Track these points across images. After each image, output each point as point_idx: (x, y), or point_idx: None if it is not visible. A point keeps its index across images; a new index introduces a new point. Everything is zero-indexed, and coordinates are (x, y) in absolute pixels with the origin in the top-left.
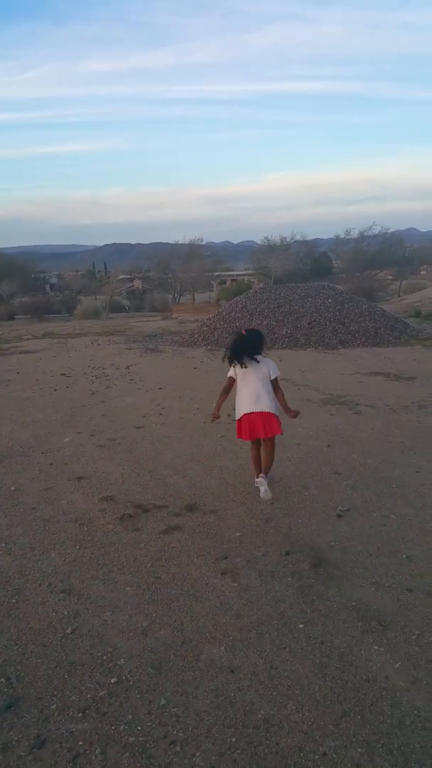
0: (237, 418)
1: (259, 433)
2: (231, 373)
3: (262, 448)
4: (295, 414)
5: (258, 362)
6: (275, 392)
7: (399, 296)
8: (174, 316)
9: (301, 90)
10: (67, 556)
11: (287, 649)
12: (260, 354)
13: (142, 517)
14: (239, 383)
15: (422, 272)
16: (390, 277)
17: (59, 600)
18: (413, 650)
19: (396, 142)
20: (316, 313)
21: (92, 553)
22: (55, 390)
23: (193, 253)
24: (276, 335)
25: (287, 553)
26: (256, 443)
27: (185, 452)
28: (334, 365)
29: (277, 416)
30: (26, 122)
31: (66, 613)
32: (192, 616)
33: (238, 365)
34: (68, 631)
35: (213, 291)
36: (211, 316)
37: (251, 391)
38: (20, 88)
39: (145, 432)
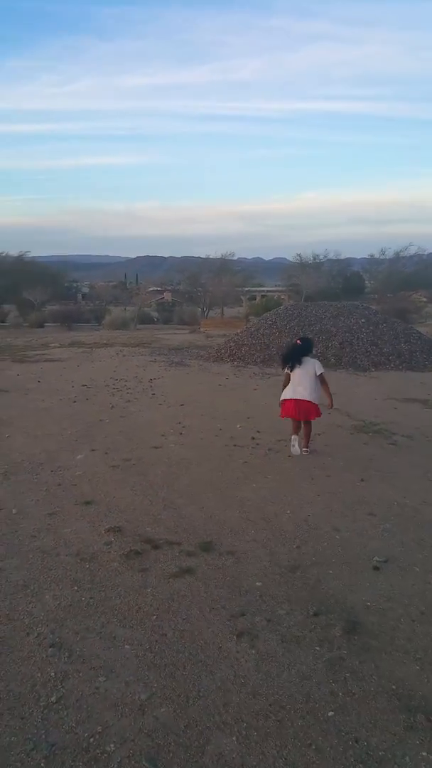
0: (280, 400)
1: (300, 416)
2: (287, 370)
3: (302, 430)
4: (331, 405)
5: (307, 362)
6: (322, 384)
7: None
8: (202, 329)
9: (341, 110)
10: (63, 599)
11: (313, 747)
12: (310, 354)
13: (151, 555)
14: (291, 377)
15: None
16: (424, 299)
17: (47, 656)
18: None
19: None
20: (348, 333)
21: (91, 597)
22: (75, 402)
23: (223, 267)
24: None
25: (315, 614)
26: (297, 422)
27: (203, 478)
28: (367, 388)
29: (317, 405)
30: (65, 134)
31: (53, 674)
32: (200, 690)
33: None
34: (53, 699)
35: (242, 306)
36: (239, 331)
37: (296, 384)
38: (61, 100)
39: (162, 453)
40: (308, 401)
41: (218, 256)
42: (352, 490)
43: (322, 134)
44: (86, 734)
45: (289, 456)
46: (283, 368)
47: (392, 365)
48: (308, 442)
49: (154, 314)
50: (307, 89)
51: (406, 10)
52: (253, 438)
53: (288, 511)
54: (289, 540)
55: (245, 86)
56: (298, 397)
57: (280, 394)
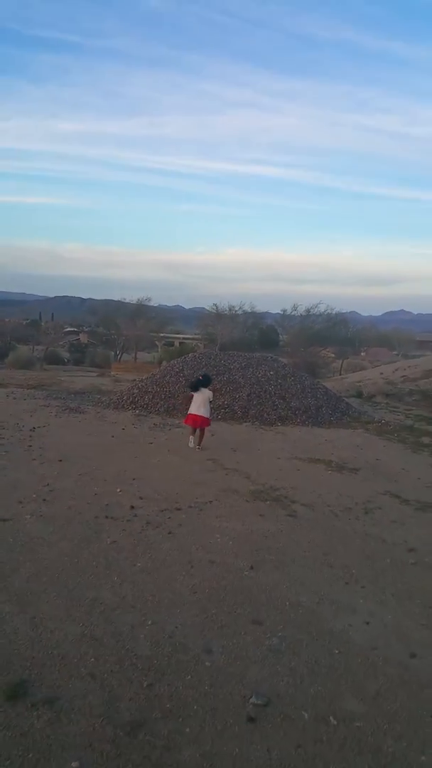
0: (186, 416)
1: (197, 424)
2: (191, 392)
3: (197, 433)
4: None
5: (203, 389)
6: (209, 405)
7: (341, 374)
8: (112, 373)
9: (261, 173)
10: None
11: None
12: (206, 386)
13: None
14: (193, 398)
15: (362, 353)
16: (332, 355)
17: None
18: None
19: (343, 230)
20: (256, 385)
21: None
22: None
23: (139, 311)
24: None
25: None
26: (198, 431)
27: (52, 568)
28: (271, 445)
29: (208, 418)
30: None
31: None
32: None
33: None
34: None
35: (158, 351)
36: (144, 377)
37: (197, 405)
38: None
39: (9, 528)
40: (202, 416)
41: (134, 300)
42: (238, 583)
43: (244, 195)
44: None
45: (198, 447)
46: (190, 391)
47: (299, 420)
48: (201, 443)
49: (66, 355)
50: (230, 152)
51: (322, 89)
52: (133, 507)
53: (149, 622)
54: (141, 672)
55: (173, 143)
56: (195, 413)
57: (168, 445)
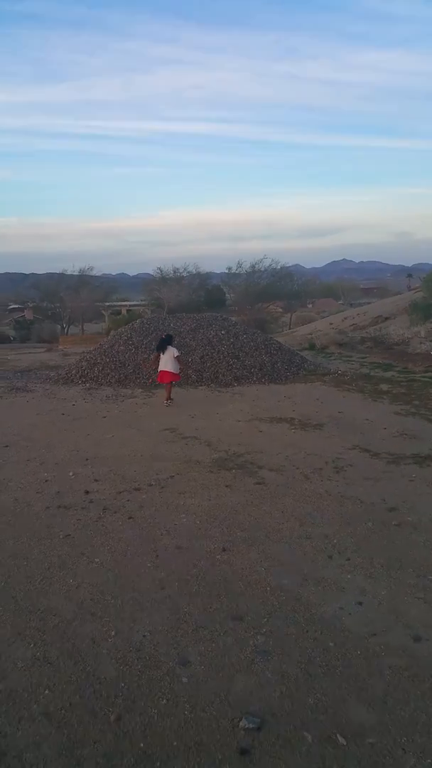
0: (157, 372)
1: (165, 380)
2: (158, 352)
3: (166, 388)
4: (179, 376)
5: (168, 349)
6: (179, 362)
7: (290, 328)
8: (60, 348)
9: (195, 131)
10: None
11: None
12: (171, 344)
13: None
14: (161, 358)
15: (309, 305)
16: (280, 310)
17: None
18: None
19: (282, 184)
20: (209, 347)
21: None
22: None
23: (82, 282)
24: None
25: None
26: (167, 386)
27: None
28: (230, 407)
29: (177, 373)
30: None
31: None
32: None
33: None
34: None
35: (105, 322)
36: (91, 349)
37: (164, 362)
38: None
39: None
40: (171, 371)
41: (76, 271)
42: (211, 571)
43: (180, 154)
44: None
45: (167, 402)
46: (156, 352)
47: (255, 378)
48: (168, 397)
49: (11, 333)
50: (162, 110)
51: (250, 39)
52: (87, 492)
53: (113, 633)
54: (106, 702)
55: (103, 106)
56: (164, 369)
57: (122, 418)
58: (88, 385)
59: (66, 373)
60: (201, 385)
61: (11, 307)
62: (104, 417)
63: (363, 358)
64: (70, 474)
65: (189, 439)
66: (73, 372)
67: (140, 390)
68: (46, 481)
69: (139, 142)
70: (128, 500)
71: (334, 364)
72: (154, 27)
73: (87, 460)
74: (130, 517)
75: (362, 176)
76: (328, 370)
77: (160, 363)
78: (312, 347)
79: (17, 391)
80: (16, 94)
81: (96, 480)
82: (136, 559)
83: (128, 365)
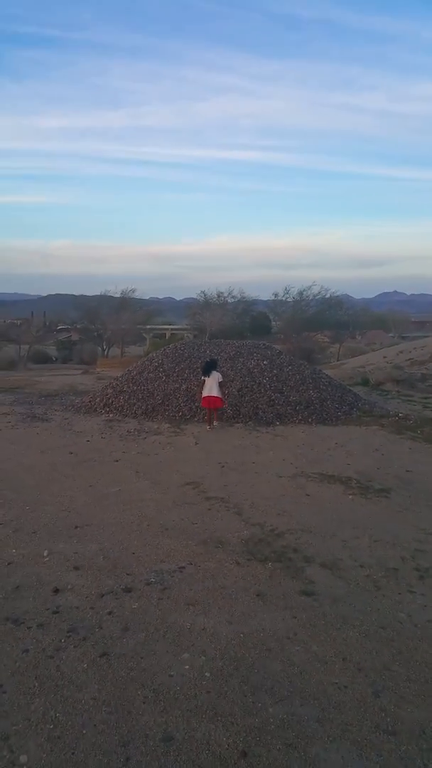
0: (200, 398)
1: (209, 405)
2: (204, 377)
3: (211, 415)
4: (224, 403)
5: (213, 373)
6: (221, 388)
7: (338, 360)
8: (97, 370)
9: (246, 158)
10: None
11: None
12: (216, 370)
13: None
14: (205, 382)
15: (358, 337)
16: (327, 340)
17: None
18: None
19: (332, 213)
20: (248, 378)
21: None
22: None
23: (123, 304)
24: (197, 403)
25: None
26: (209, 411)
27: None
28: (269, 455)
29: (220, 398)
30: None
31: None
32: None
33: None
34: None
35: (146, 345)
36: (119, 375)
37: (209, 387)
38: None
39: None
40: (215, 396)
41: (118, 292)
42: None
43: (230, 181)
44: None
45: (209, 428)
46: (202, 376)
47: (300, 417)
48: (213, 422)
49: (54, 353)
50: (215, 138)
51: (306, 69)
52: (57, 591)
53: None
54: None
55: (156, 132)
56: (209, 394)
57: (138, 463)
58: (111, 415)
59: (89, 401)
60: (238, 422)
61: (59, 327)
62: (117, 461)
63: (426, 398)
64: (45, 554)
65: (215, 501)
66: (97, 400)
67: (167, 425)
68: (9, 564)
69: (191, 168)
70: (109, 613)
71: (392, 404)
72: (210, 54)
73: (76, 528)
74: (103, 654)
75: (414, 208)
76: (386, 411)
77: (204, 388)
78: (365, 383)
79: (33, 419)
80: (74, 118)
81: (76, 567)
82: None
83: (157, 395)
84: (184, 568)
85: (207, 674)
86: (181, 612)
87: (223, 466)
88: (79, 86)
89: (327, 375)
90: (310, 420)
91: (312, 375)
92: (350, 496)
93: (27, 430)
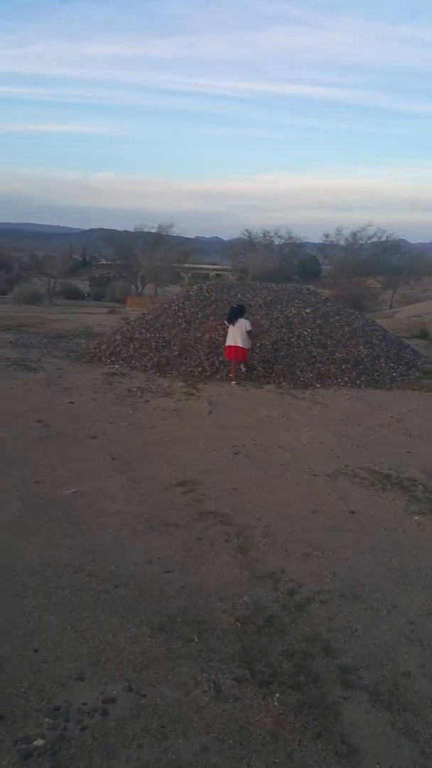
0: (225, 345)
1: (232, 356)
2: (227, 323)
3: (234, 365)
4: (246, 357)
5: (239, 321)
6: (248, 336)
7: (390, 308)
8: (126, 309)
9: (304, 94)
10: None
11: None
12: (242, 317)
13: None
14: (229, 330)
15: (412, 284)
16: (380, 286)
17: None
18: None
19: (391, 153)
20: (286, 329)
21: None
22: None
23: (159, 240)
24: (222, 359)
25: None
26: (233, 363)
27: None
28: (303, 435)
29: (245, 349)
30: (19, 98)
31: None
32: None
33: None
34: None
35: (183, 284)
36: (133, 319)
37: (234, 336)
38: (16, 62)
39: None
40: (242, 347)
41: (155, 227)
42: None
43: (284, 117)
44: None
45: (234, 383)
46: (226, 323)
47: (346, 378)
48: (236, 376)
49: (86, 289)
50: (271, 71)
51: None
52: None
53: None
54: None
55: (209, 64)
56: (233, 344)
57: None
58: (116, 367)
59: (94, 348)
60: (269, 383)
61: (100, 262)
62: (94, 437)
63: None
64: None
65: (211, 519)
66: (103, 348)
67: (181, 384)
68: None
69: (243, 102)
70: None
71: None
72: None
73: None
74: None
75: None
76: None
77: (228, 337)
78: (424, 335)
79: (16, 368)
80: (124, 46)
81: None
82: None
83: (173, 345)
84: (107, 712)
85: None
86: None
87: (237, 453)
88: (130, 12)
89: (381, 327)
90: (357, 382)
91: (364, 327)
92: (415, 516)
93: (4, 381)
